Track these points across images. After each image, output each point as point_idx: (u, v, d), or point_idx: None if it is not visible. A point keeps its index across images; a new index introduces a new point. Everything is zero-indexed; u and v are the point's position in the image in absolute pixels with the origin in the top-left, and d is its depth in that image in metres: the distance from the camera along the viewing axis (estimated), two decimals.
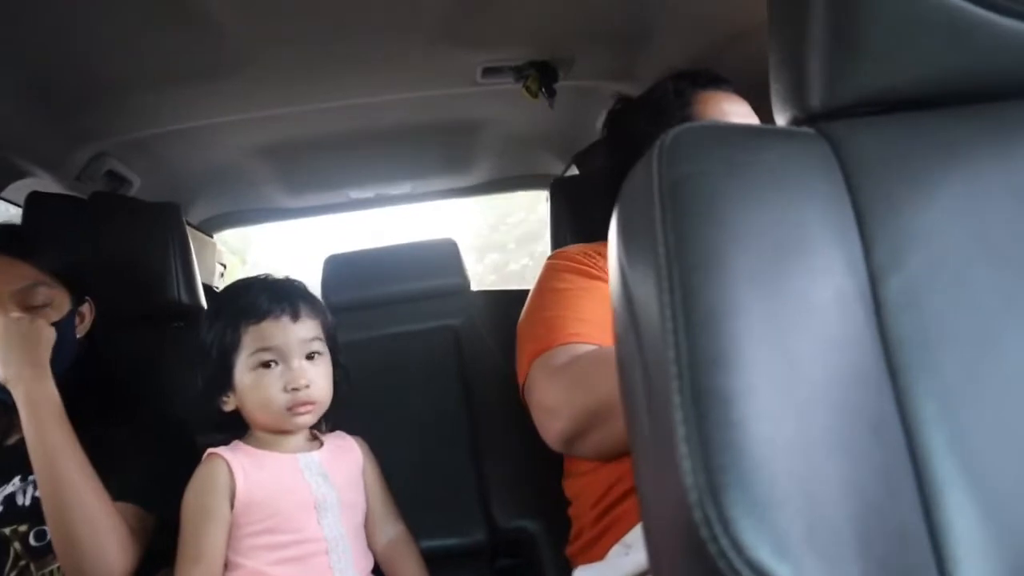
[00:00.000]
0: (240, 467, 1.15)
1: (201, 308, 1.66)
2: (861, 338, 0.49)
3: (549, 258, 1.38)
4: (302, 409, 1.17)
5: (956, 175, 0.55)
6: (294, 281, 1.28)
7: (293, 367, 1.17)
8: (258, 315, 1.19)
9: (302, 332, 1.20)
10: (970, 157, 0.56)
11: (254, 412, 1.18)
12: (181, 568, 1.11)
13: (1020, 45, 0.57)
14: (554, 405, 1.13)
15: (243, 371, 1.18)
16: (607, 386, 1.02)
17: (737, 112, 1.31)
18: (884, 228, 0.52)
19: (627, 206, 0.55)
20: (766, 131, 0.57)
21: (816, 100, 0.59)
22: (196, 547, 1.11)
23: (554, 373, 1.14)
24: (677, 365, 0.43)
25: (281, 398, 1.16)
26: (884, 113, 0.59)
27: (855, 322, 0.49)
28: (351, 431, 1.33)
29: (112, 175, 1.89)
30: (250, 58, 1.52)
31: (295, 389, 1.16)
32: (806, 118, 0.61)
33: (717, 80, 1.36)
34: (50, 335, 1.21)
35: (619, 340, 0.55)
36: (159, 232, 1.64)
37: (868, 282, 0.51)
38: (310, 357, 1.21)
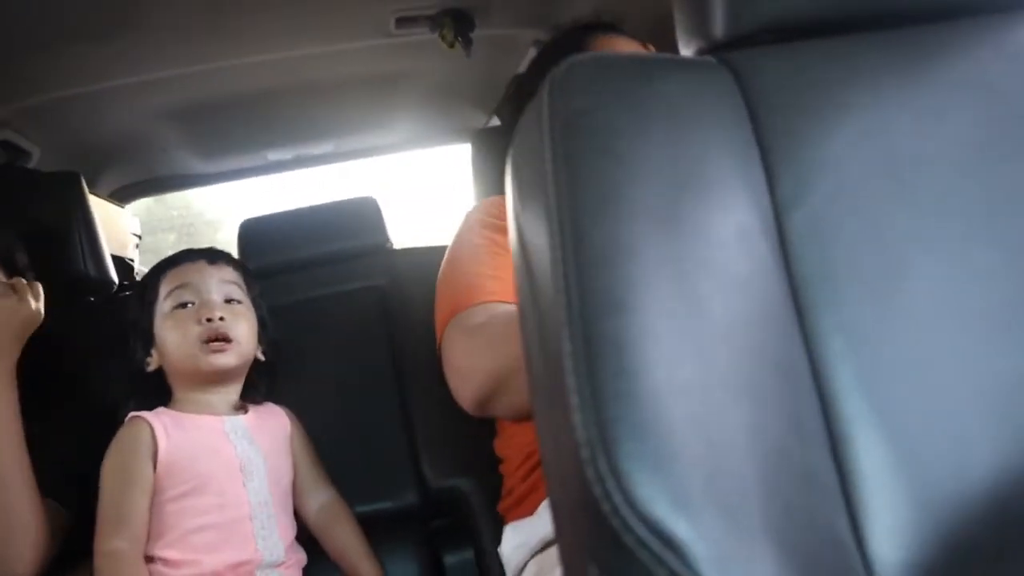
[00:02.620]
0: (162, 428, 1.12)
1: (111, 280, 1.59)
2: (766, 275, 0.46)
3: (467, 212, 1.35)
4: (216, 346, 1.15)
5: (859, 103, 0.53)
6: (218, 248, 1.30)
7: (208, 301, 1.18)
8: (175, 262, 1.22)
9: (220, 274, 1.22)
10: (873, 84, 0.54)
11: (171, 358, 1.17)
12: (103, 534, 1.06)
13: None
14: (466, 367, 1.12)
15: (161, 318, 1.18)
16: (519, 347, 1.01)
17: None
18: (788, 160, 0.50)
19: (519, 146, 0.52)
20: (664, 61, 0.53)
21: (719, 28, 0.57)
22: (118, 512, 1.07)
23: (467, 334, 1.12)
24: (568, 311, 0.40)
25: (195, 330, 1.15)
26: (787, 41, 0.57)
27: (759, 259, 0.47)
28: (278, 396, 1.29)
29: (7, 146, 1.78)
30: (151, 14, 1.43)
31: (209, 320, 1.15)
32: (710, 48, 0.58)
33: (613, 27, 1.36)
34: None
35: (517, 288, 0.52)
36: (60, 202, 1.56)
37: (772, 217, 0.48)
38: (228, 302, 1.20)
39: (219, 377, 1.18)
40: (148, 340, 1.19)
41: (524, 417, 1.16)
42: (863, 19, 0.57)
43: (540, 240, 0.44)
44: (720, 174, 0.48)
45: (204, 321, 1.15)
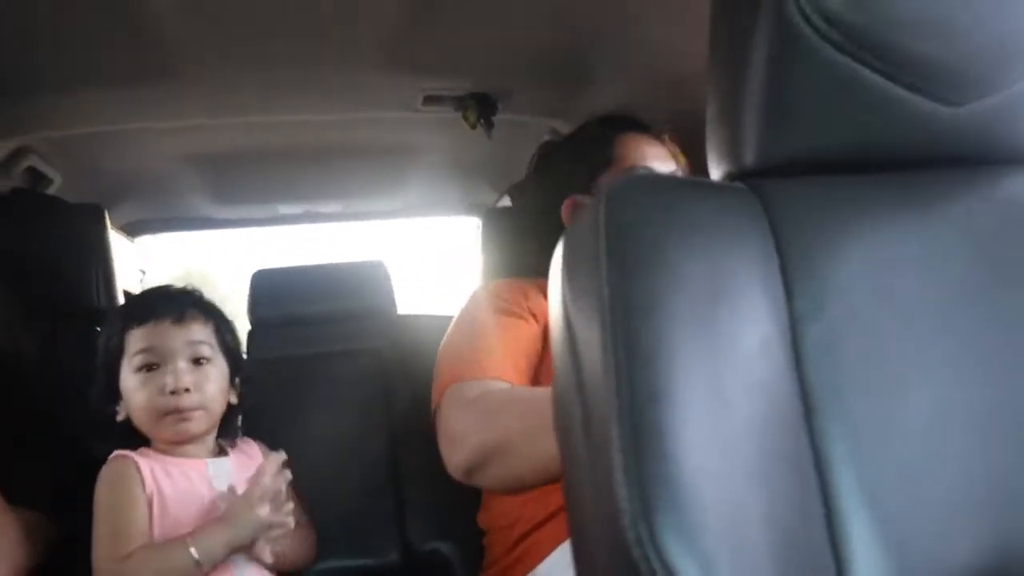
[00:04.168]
0: (148, 468, 1.12)
1: None
2: (782, 381, 0.53)
3: (477, 289, 1.40)
4: (179, 416, 1.14)
5: (868, 236, 0.61)
6: (191, 289, 1.26)
7: (173, 370, 1.14)
8: (140, 319, 1.17)
9: (186, 335, 1.17)
10: (881, 220, 0.62)
11: (139, 419, 1.15)
12: (107, 557, 1.06)
13: (929, 118, 0.63)
14: (458, 436, 1.16)
15: (127, 375, 1.16)
16: (511, 425, 1.08)
17: (656, 155, 1.37)
18: (804, 280, 0.57)
19: (572, 246, 0.58)
20: (703, 185, 0.61)
21: (750, 158, 0.64)
22: (126, 532, 1.07)
23: (463, 405, 1.17)
24: (618, 400, 0.47)
25: (159, 401, 1.13)
26: (810, 174, 0.64)
27: (777, 366, 0.53)
28: (268, 447, 1.31)
29: (32, 171, 1.83)
30: (185, 65, 1.50)
31: (173, 392, 1.13)
32: (739, 174, 0.65)
33: (636, 124, 1.43)
34: None
35: (558, 372, 0.58)
36: (81, 233, 1.60)
37: (789, 329, 0.55)
38: (197, 363, 1.18)
39: (187, 441, 1.18)
40: (114, 393, 1.17)
41: (506, 490, 1.21)
42: (878, 162, 0.65)
43: (591, 335, 0.51)
44: (747, 289, 0.55)
45: (168, 392, 1.13)
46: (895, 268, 0.60)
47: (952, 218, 0.63)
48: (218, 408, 1.20)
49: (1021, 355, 0.58)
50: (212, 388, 1.18)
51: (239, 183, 2.21)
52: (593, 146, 1.39)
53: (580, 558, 0.54)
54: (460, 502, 1.36)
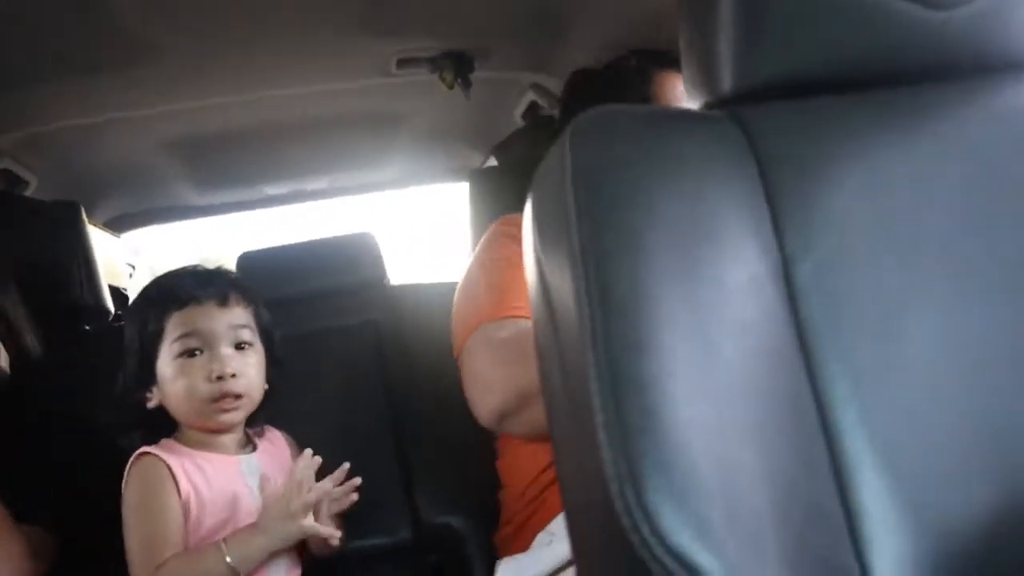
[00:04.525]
0: (180, 468, 1.07)
1: (107, 310, 1.59)
2: (775, 321, 0.49)
3: (494, 226, 1.32)
4: (227, 404, 1.10)
5: (861, 161, 0.56)
6: (225, 270, 1.22)
7: (219, 355, 1.10)
8: (182, 301, 1.12)
9: (230, 318, 1.13)
10: (874, 143, 0.57)
11: (178, 406, 1.11)
12: (145, 565, 1.03)
13: (915, 28, 0.58)
14: (491, 379, 1.10)
15: (166, 361, 1.10)
16: None
17: None
18: (795, 214, 0.53)
19: (540, 191, 0.54)
20: (678, 114, 0.57)
21: (727, 84, 0.60)
22: (159, 540, 1.04)
23: (494, 346, 1.11)
24: (594, 352, 0.43)
25: (204, 388, 1.08)
26: (792, 97, 0.60)
27: (769, 306, 0.49)
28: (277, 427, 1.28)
29: (6, 174, 1.79)
30: (153, 49, 1.45)
31: (220, 378, 1.08)
32: (717, 102, 0.61)
33: (677, 60, 1.34)
34: None
35: (536, 327, 0.54)
36: (59, 232, 1.57)
37: (780, 266, 0.51)
38: (239, 347, 1.13)
39: (228, 430, 1.15)
40: (149, 378, 1.12)
41: (536, 436, 1.14)
42: (862, 79, 0.60)
43: (563, 283, 0.47)
44: (732, 225, 0.51)
45: (214, 379, 1.09)
46: (889, 192, 0.56)
47: (944, 134, 0.59)
48: (258, 396, 1.16)
49: (1020, 267, 0.54)
50: (254, 375, 1.14)
51: (222, 167, 2.17)
52: (630, 81, 1.28)
53: (571, 523, 0.50)
54: (468, 472, 1.34)
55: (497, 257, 1.22)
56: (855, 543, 0.45)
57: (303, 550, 1.19)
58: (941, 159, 0.58)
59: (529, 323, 1.10)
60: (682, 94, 1.28)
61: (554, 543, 1.06)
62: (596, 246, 0.46)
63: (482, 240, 1.29)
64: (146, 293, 1.19)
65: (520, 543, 1.16)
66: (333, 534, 1.10)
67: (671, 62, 1.30)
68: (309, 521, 1.07)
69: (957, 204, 0.56)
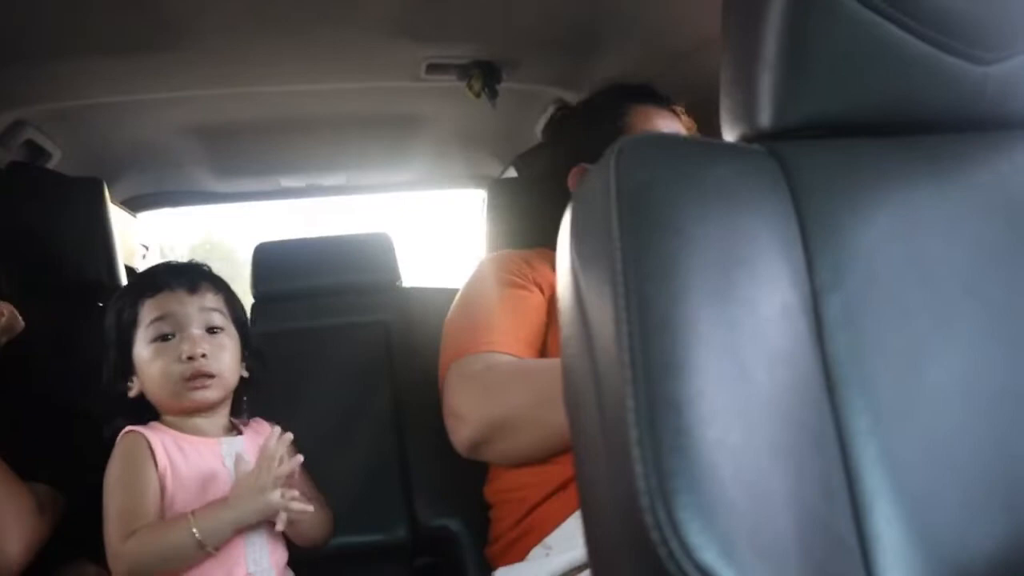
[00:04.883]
0: (162, 447, 1.10)
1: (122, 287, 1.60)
2: (803, 351, 0.51)
3: (482, 261, 1.39)
4: (198, 383, 1.13)
5: (893, 201, 0.58)
6: (199, 263, 1.26)
7: (189, 335, 1.14)
8: (155, 288, 1.17)
9: (200, 302, 1.17)
10: (906, 185, 0.59)
11: (154, 391, 1.14)
12: (118, 534, 1.05)
13: (956, 79, 0.60)
14: (463, 411, 1.15)
15: (141, 347, 1.14)
16: (516, 399, 1.07)
17: (669, 127, 1.35)
18: (826, 246, 0.55)
19: (581, 209, 0.56)
20: (718, 145, 0.58)
21: (766, 120, 0.61)
22: (133, 511, 1.06)
23: (466, 380, 1.16)
24: (632, 371, 0.44)
25: (176, 368, 1.12)
26: (829, 138, 0.61)
27: (798, 336, 0.51)
28: (274, 421, 1.29)
29: (30, 145, 1.80)
30: (185, 35, 1.47)
31: (191, 358, 1.12)
32: (755, 136, 0.63)
33: (652, 95, 1.40)
34: None
35: (567, 342, 0.55)
36: (81, 208, 1.58)
37: (811, 297, 0.53)
38: (211, 331, 1.17)
39: (203, 410, 1.17)
40: (128, 367, 1.16)
41: (511, 464, 1.20)
42: (900, 125, 0.62)
43: (603, 303, 0.48)
44: (767, 254, 0.52)
45: (185, 359, 1.12)
46: (919, 233, 0.57)
47: (979, 183, 0.61)
48: (232, 379, 1.19)
49: None
50: (226, 358, 1.17)
51: (241, 155, 2.18)
52: (605, 115, 1.37)
53: (592, 536, 0.51)
54: (467, 477, 1.35)
55: (481, 293, 1.28)
56: (869, 572, 0.46)
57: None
58: (972, 206, 0.59)
59: (504, 358, 1.15)
60: (656, 127, 1.34)
61: (551, 556, 1.08)
62: (637, 266, 0.48)
63: (470, 275, 1.36)
64: (123, 287, 1.25)
65: (513, 556, 1.17)
66: (305, 508, 1.10)
67: (644, 96, 1.39)
68: (277, 495, 1.07)
69: (986, 250, 0.58)
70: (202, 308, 1.17)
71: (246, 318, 1.27)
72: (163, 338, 1.14)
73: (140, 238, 2.24)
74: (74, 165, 1.91)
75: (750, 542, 0.40)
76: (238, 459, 1.11)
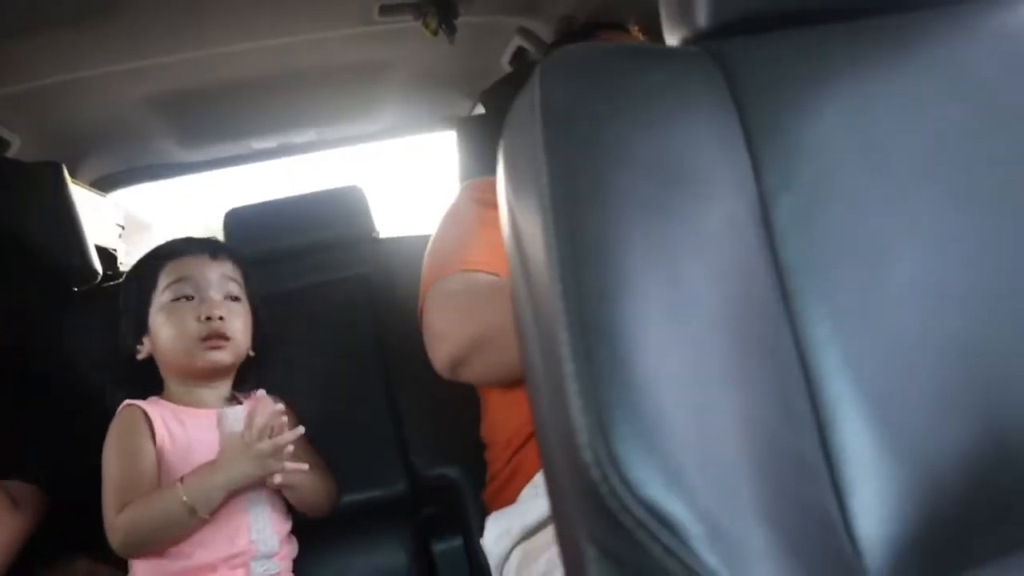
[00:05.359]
0: (160, 418, 1.12)
1: (94, 270, 1.58)
2: (753, 262, 0.47)
3: (462, 188, 1.37)
4: (215, 342, 1.15)
5: (842, 91, 0.54)
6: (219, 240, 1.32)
7: (209, 298, 1.17)
8: (177, 253, 1.20)
9: (221, 269, 1.21)
10: (855, 72, 0.55)
11: (166, 351, 1.16)
12: (115, 505, 1.05)
13: None
14: (441, 330, 1.15)
15: (158, 309, 1.17)
16: (494, 315, 1.05)
17: None
18: (773, 148, 0.51)
19: (510, 134, 0.52)
20: (650, 51, 0.54)
21: (703, 18, 0.57)
22: (129, 484, 1.07)
23: (445, 299, 1.15)
24: (564, 299, 0.41)
25: (194, 327, 1.14)
26: (772, 30, 0.57)
27: (747, 247, 0.48)
28: (263, 387, 1.29)
29: None
30: (132, 2, 1.42)
31: (208, 319, 1.14)
32: (694, 38, 0.59)
33: (617, 25, 1.41)
34: None
35: (511, 276, 0.53)
36: (43, 193, 1.54)
37: (758, 204, 0.49)
38: (228, 298, 1.20)
39: (212, 373, 1.18)
40: (141, 328, 1.18)
41: (492, 383, 1.20)
42: (842, 8, 0.58)
43: (534, 229, 0.45)
44: (708, 163, 0.49)
45: (203, 319, 1.14)
46: (872, 122, 0.53)
47: (934, 60, 0.57)
48: (244, 345, 1.22)
49: (1018, 203, 0.52)
50: (240, 325, 1.20)
51: (206, 122, 2.14)
52: (570, 41, 1.36)
53: (547, 474, 0.49)
54: (462, 424, 1.34)
55: (457, 216, 1.28)
56: (835, 488, 0.44)
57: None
58: (930, 86, 0.56)
59: (482, 276, 1.13)
60: None
61: (539, 495, 1.07)
62: (566, 190, 0.44)
63: (447, 205, 1.34)
64: (143, 256, 1.27)
65: (507, 497, 1.17)
66: (299, 467, 1.10)
67: (610, 25, 1.41)
68: (265, 446, 1.06)
69: (947, 132, 0.54)
70: (223, 275, 1.21)
71: (256, 290, 1.29)
72: (182, 299, 1.17)
73: (113, 218, 2.20)
74: (36, 151, 1.87)
75: (698, 471, 0.38)
76: (219, 416, 1.10)
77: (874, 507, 0.44)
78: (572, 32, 1.49)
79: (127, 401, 1.14)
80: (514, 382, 1.14)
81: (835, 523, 0.43)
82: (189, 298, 1.16)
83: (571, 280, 0.42)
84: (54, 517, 1.17)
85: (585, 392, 0.39)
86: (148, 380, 1.19)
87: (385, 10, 1.61)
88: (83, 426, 1.18)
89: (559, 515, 0.47)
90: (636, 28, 1.37)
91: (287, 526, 1.19)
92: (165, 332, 1.15)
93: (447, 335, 1.13)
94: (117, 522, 1.05)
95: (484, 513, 1.22)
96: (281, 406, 1.10)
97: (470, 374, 1.16)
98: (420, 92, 2.15)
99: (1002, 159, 0.54)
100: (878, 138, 0.52)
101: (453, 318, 1.13)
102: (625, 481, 0.37)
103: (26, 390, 1.27)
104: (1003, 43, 0.59)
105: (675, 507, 0.37)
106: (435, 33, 1.62)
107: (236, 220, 1.66)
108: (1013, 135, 0.55)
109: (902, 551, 0.44)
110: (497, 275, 1.14)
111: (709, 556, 0.36)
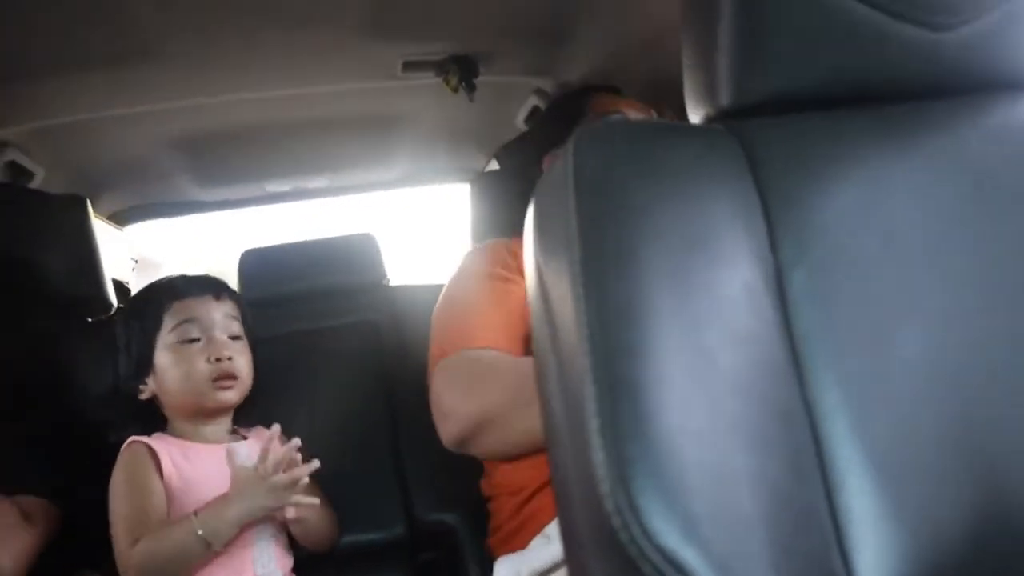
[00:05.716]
0: (166, 454, 1.13)
1: (109, 303, 1.61)
2: (768, 330, 0.50)
3: (467, 253, 1.39)
4: (226, 383, 1.17)
5: (855, 172, 0.58)
6: (216, 277, 1.31)
7: (216, 339, 1.18)
8: (181, 294, 1.21)
9: (225, 309, 1.23)
10: (867, 155, 0.59)
11: (174, 391, 1.17)
12: (126, 542, 1.06)
13: (913, 47, 0.60)
14: (447, 408, 1.16)
15: (163, 350, 1.18)
16: (499, 393, 1.08)
17: (631, 112, 1.38)
18: (789, 222, 0.55)
19: (542, 200, 0.56)
20: (677, 128, 0.58)
21: (726, 99, 0.61)
22: (139, 520, 1.08)
23: (450, 376, 1.17)
24: (591, 356, 0.44)
25: (205, 369, 1.16)
26: (791, 112, 0.61)
27: (762, 314, 0.51)
28: (268, 425, 1.30)
29: (13, 166, 1.80)
30: (162, 46, 1.46)
31: (218, 360, 1.16)
32: (717, 116, 0.62)
33: (614, 89, 1.47)
34: None
35: (535, 333, 0.55)
36: (65, 225, 1.58)
37: (774, 275, 0.53)
38: (232, 338, 1.22)
39: (220, 412, 1.20)
40: (145, 368, 1.19)
41: (499, 458, 1.21)
42: (859, 96, 0.62)
43: (563, 291, 0.48)
44: (727, 234, 0.52)
45: (213, 360, 1.17)
46: (882, 204, 0.57)
47: (940, 148, 0.61)
48: (248, 384, 1.24)
49: (1018, 286, 0.55)
50: (245, 363, 1.23)
51: (224, 163, 2.18)
52: (570, 102, 1.43)
53: (564, 524, 0.51)
54: (463, 471, 1.35)
55: (466, 288, 1.30)
56: (842, 547, 0.46)
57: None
58: (937, 172, 0.59)
59: (488, 353, 1.16)
60: (617, 109, 1.38)
61: (552, 543, 1.08)
62: (595, 256, 0.48)
63: (456, 270, 1.36)
64: (143, 292, 1.29)
65: (515, 546, 1.17)
66: (312, 501, 1.12)
67: (611, 89, 1.49)
68: (280, 479, 1.08)
69: (951, 216, 0.57)
70: (226, 315, 1.22)
71: (253, 327, 1.31)
72: (189, 341, 1.18)
73: (128, 252, 2.23)
74: (58, 183, 1.90)
75: (713, 524, 0.41)
76: (229, 451, 1.11)
77: (877, 566, 0.46)
78: (569, 94, 1.53)
79: (132, 438, 1.15)
80: (517, 456, 1.16)
81: None
82: (196, 340, 1.18)
83: (599, 339, 0.45)
84: (64, 535, 1.18)
85: (609, 446, 0.42)
86: (151, 417, 1.20)
87: (408, 66, 1.66)
88: (94, 451, 1.19)
89: (575, 562, 0.49)
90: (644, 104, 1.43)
91: (290, 562, 1.20)
92: (173, 373, 1.17)
93: (452, 414, 1.16)
94: (132, 555, 1.05)
95: (483, 560, 1.23)
96: (297, 440, 1.12)
97: (479, 450, 1.19)
98: (436, 144, 2.20)
99: (1002, 242, 0.57)
100: (887, 218, 0.56)
101: (457, 397, 1.15)
102: (644, 530, 0.40)
103: (38, 415, 1.29)
104: (1005, 133, 0.63)
105: (690, 556, 0.39)
106: (456, 91, 1.67)
107: (251, 261, 1.69)
108: (1012, 220, 0.58)
109: None
110: (503, 351, 1.17)
111: None
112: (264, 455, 1.08)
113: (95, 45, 1.42)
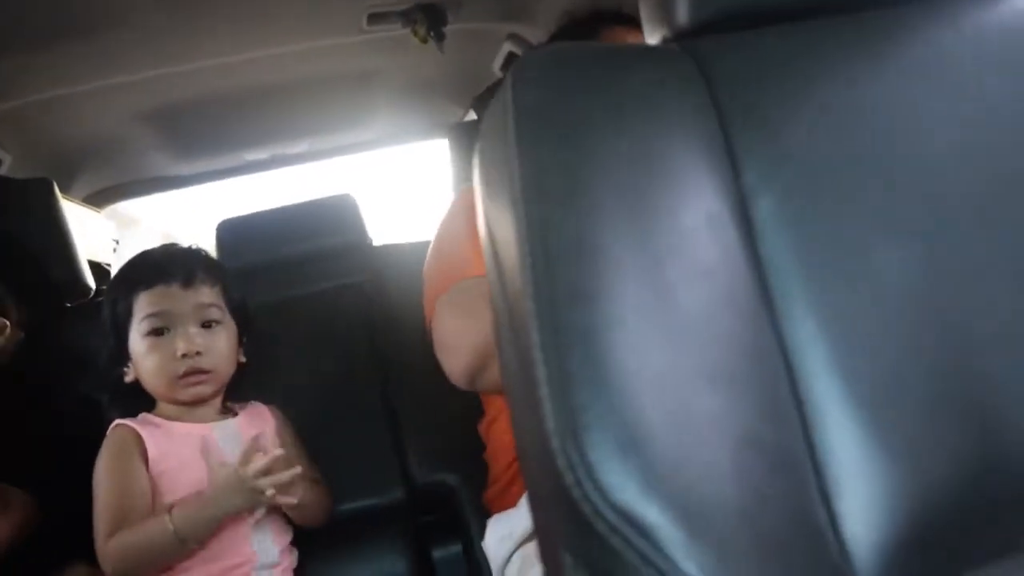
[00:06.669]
0: (150, 436, 1.10)
1: (87, 287, 1.57)
2: (734, 262, 0.47)
3: (453, 200, 1.35)
4: (194, 379, 1.13)
5: (824, 88, 0.53)
6: (196, 248, 1.24)
7: (184, 333, 1.13)
8: (148, 282, 1.15)
9: (195, 298, 1.16)
10: (833, 69, 0.54)
11: (149, 381, 1.14)
12: (106, 532, 1.04)
13: None
14: (453, 342, 1.13)
15: (136, 339, 1.14)
16: None
17: None
18: (753, 147, 0.50)
19: (485, 139, 0.51)
20: (628, 50, 0.53)
21: (682, 17, 0.57)
22: (120, 509, 1.06)
23: (453, 311, 1.13)
24: (536, 301, 0.41)
25: (171, 366, 1.12)
26: (749, 28, 0.57)
27: (728, 245, 0.47)
28: (260, 397, 1.28)
29: None
30: (121, 17, 1.42)
31: (185, 356, 1.12)
32: (674, 36, 0.58)
33: (621, 17, 1.32)
34: None
35: (489, 283, 0.52)
36: (33, 210, 1.54)
37: (739, 203, 0.48)
38: (206, 325, 1.16)
39: (198, 401, 1.17)
40: (123, 354, 1.16)
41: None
42: (822, 5, 0.57)
43: (507, 233, 0.44)
44: (686, 162, 0.48)
45: (180, 356, 1.11)
46: (856, 116, 0.52)
47: (916, 54, 0.56)
48: (227, 371, 1.19)
49: (1003, 200, 0.51)
50: (222, 351, 1.17)
51: (198, 135, 2.13)
52: (571, 35, 1.31)
53: (527, 480, 0.48)
54: (459, 430, 1.33)
55: (454, 228, 1.25)
56: (822, 490, 0.43)
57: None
58: (912, 81, 0.55)
59: (482, 280, 1.11)
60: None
61: None
62: (538, 190, 0.44)
63: (443, 217, 1.32)
64: (118, 274, 1.23)
65: (508, 501, 1.16)
66: (288, 501, 1.09)
67: (614, 18, 1.31)
68: (260, 489, 1.05)
69: (931, 128, 0.53)
70: (197, 304, 1.16)
71: (244, 304, 1.25)
72: (157, 333, 1.13)
73: (107, 233, 2.20)
74: (28, 167, 1.86)
75: (675, 475, 0.37)
76: (204, 444, 1.09)
77: (862, 510, 0.43)
78: (573, 26, 1.37)
79: (117, 421, 1.13)
80: None
81: (821, 526, 0.42)
82: (166, 331, 1.13)
83: (543, 281, 0.41)
84: (54, 526, 1.16)
85: (557, 395, 0.38)
86: (138, 398, 1.17)
87: (373, 19, 1.61)
88: (74, 442, 1.17)
89: (539, 524, 0.46)
90: None
91: (288, 537, 1.18)
92: (145, 365, 1.13)
93: (459, 346, 1.12)
94: (107, 549, 1.04)
95: (483, 518, 1.21)
96: (280, 451, 1.09)
97: (490, 380, 1.14)
98: (412, 100, 2.15)
99: (986, 154, 0.53)
100: (862, 132, 0.51)
101: (461, 329, 1.11)
102: (598, 486, 0.36)
103: (23, 404, 1.27)
104: (986, 38, 0.58)
105: (650, 512, 0.36)
106: (425, 41, 1.62)
107: (228, 231, 1.66)
108: (996, 130, 0.54)
109: (891, 555, 0.42)
110: None
111: (686, 563, 0.35)
112: (247, 456, 1.05)
113: (52, 19, 1.38)
